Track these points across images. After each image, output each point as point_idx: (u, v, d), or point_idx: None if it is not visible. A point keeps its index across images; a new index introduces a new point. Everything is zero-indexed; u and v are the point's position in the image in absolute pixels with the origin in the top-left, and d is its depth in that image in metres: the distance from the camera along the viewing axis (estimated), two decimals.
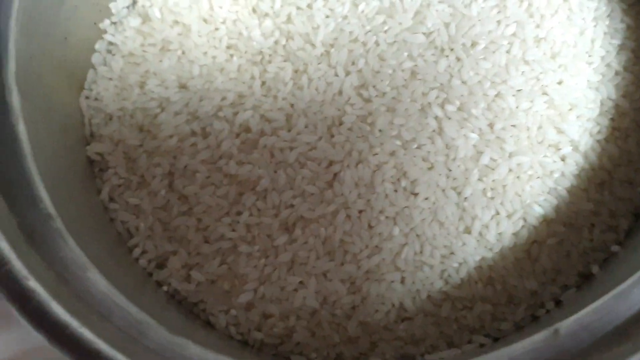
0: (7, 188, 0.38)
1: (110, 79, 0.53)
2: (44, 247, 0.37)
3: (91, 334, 0.33)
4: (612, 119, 0.48)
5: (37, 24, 0.45)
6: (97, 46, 0.54)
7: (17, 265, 0.34)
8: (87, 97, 0.53)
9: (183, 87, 0.52)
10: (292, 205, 0.48)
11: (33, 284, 0.34)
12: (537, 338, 0.36)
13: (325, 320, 0.47)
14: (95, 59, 0.54)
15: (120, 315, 0.36)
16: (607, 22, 0.50)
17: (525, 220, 0.47)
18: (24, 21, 0.43)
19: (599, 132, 0.48)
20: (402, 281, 0.47)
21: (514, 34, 0.49)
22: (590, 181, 0.47)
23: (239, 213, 0.49)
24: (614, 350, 0.34)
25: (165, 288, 0.49)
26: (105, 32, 0.54)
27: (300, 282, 0.47)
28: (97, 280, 0.37)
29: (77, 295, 0.36)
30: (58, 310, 0.34)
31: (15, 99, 0.40)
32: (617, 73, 0.49)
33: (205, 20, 0.54)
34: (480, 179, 0.47)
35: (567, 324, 0.36)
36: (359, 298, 0.47)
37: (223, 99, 0.51)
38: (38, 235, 0.37)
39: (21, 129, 0.40)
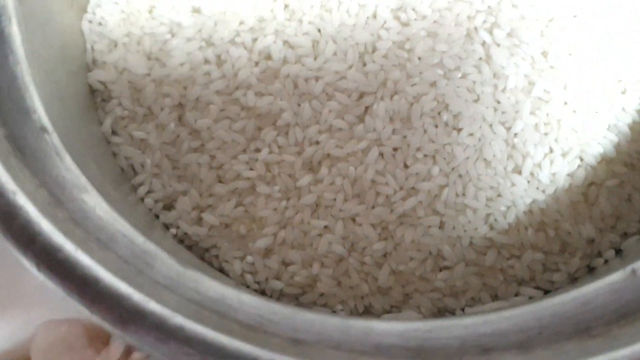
0: None
1: (116, 2, 0.48)
2: (35, 163, 0.32)
3: (89, 258, 0.28)
4: None
5: None
6: None
7: (3, 177, 0.29)
8: (89, 22, 0.48)
9: (196, 10, 0.47)
10: (317, 142, 0.44)
11: (21, 199, 0.29)
12: (612, 278, 0.31)
13: (353, 268, 0.42)
14: None
15: (124, 244, 0.31)
16: None
17: (582, 159, 0.42)
18: None
19: None
20: (441, 226, 0.42)
21: None
22: None
23: (257, 150, 0.44)
24: None
25: (173, 231, 0.44)
26: None
27: (326, 227, 0.43)
28: (98, 204, 0.32)
29: (73, 219, 0.31)
30: (49, 230, 0.28)
31: None
32: None
33: None
34: (532, 113, 0.42)
35: None
36: (391, 244, 0.42)
37: (241, 23, 0.46)
38: (29, 150, 0.32)
39: (14, 31, 0.35)
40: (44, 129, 0.33)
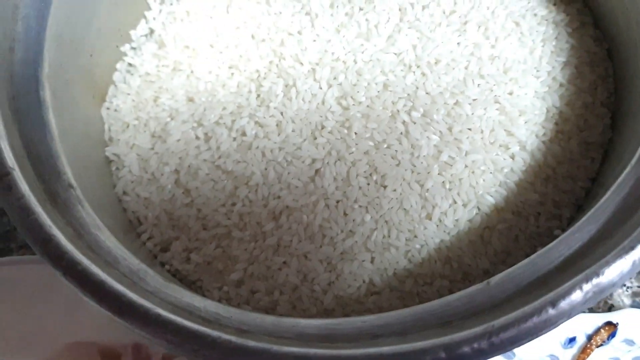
0: (37, 162, 0.46)
1: (129, 94, 0.62)
2: (64, 209, 0.45)
3: (99, 270, 0.41)
4: (556, 124, 0.55)
5: (66, 38, 0.54)
6: (118, 66, 0.63)
7: (43, 216, 0.42)
8: (107, 108, 0.62)
9: (190, 100, 0.61)
10: (279, 197, 0.55)
11: (54, 231, 0.41)
12: (472, 288, 0.42)
13: (305, 294, 0.53)
14: (116, 77, 0.63)
15: (124, 264, 0.44)
16: (553, 43, 0.58)
17: (479, 208, 0.54)
18: (56, 34, 0.52)
19: (544, 134, 0.55)
20: (372, 261, 0.53)
21: (471, 54, 0.58)
22: (537, 176, 0.54)
23: (233, 204, 0.56)
24: (533, 293, 0.40)
25: (167, 267, 0.56)
26: (125, 54, 0.64)
27: (284, 262, 0.54)
28: (107, 238, 0.45)
29: (89, 246, 0.44)
30: (73, 251, 0.41)
31: (47, 94, 0.49)
32: (561, 85, 0.57)
33: (211, 46, 0.63)
34: (440, 174, 0.54)
35: (498, 277, 0.42)
36: (334, 275, 0.53)
37: (224, 109, 0.59)
38: (60, 200, 0.45)
39: (51, 117, 0.48)
40: (70, 186, 0.46)
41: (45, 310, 0.61)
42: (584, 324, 0.62)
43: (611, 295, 0.63)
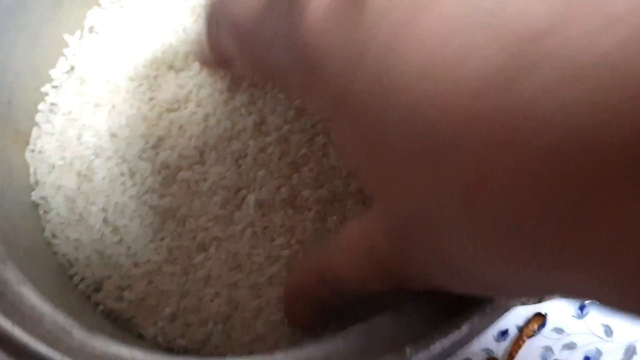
0: None
1: (52, 134, 0.62)
2: None
3: (22, 331, 0.41)
4: None
5: None
6: (40, 107, 0.63)
7: None
8: (32, 151, 0.62)
9: (113, 135, 0.61)
10: (206, 228, 0.56)
11: None
12: None
13: (238, 323, 0.54)
14: (39, 118, 0.63)
15: (49, 320, 0.44)
16: None
17: None
18: None
19: None
20: None
21: None
22: None
23: (162, 239, 0.57)
24: None
25: (101, 307, 0.57)
26: (47, 94, 0.64)
27: (216, 293, 0.55)
28: (31, 294, 0.45)
29: (13, 305, 0.44)
30: None
31: None
32: None
33: (131, 79, 0.63)
34: None
35: None
36: (264, 301, 0.54)
37: (146, 142, 0.60)
38: None
39: None
40: None
41: None
42: (514, 317, 0.65)
43: None
